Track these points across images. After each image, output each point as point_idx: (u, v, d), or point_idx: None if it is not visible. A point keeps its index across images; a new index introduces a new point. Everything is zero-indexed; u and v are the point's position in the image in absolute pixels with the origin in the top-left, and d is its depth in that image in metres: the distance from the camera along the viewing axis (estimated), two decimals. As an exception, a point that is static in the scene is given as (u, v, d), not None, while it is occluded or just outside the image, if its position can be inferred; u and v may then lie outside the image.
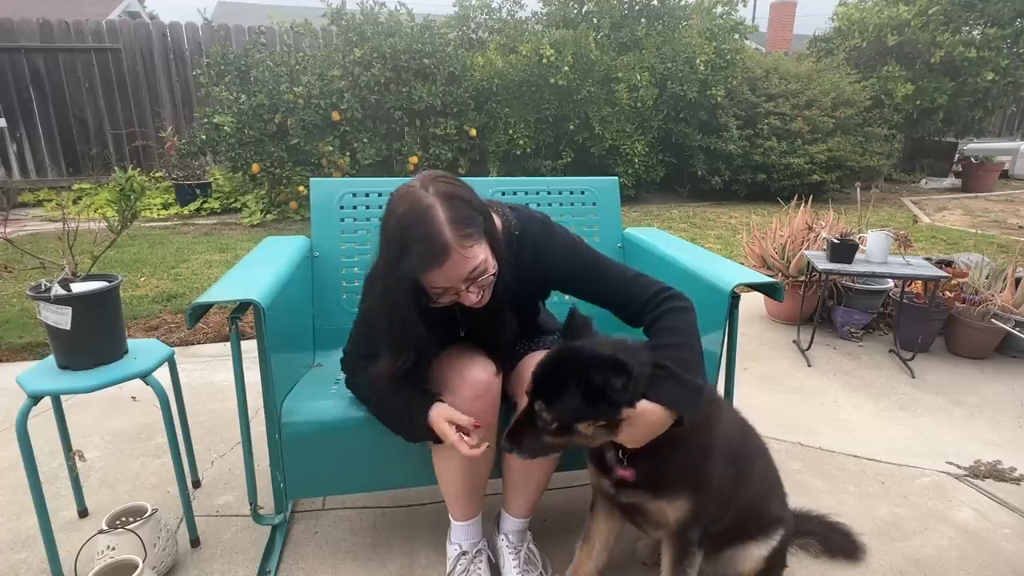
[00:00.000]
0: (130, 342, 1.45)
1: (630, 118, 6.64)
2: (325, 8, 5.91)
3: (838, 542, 1.51)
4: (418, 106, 5.72)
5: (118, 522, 1.37)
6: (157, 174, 6.64)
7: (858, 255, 2.68)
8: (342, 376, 1.44)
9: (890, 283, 3.04)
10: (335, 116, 5.48)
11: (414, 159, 5.83)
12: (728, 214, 6.37)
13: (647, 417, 1.03)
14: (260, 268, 1.47)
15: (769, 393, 2.46)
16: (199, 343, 2.86)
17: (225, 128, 5.28)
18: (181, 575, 1.44)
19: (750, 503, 1.24)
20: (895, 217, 6.20)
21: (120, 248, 4.36)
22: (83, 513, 1.63)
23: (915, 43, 8.39)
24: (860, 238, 2.78)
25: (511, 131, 6.28)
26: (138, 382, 1.36)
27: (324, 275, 1.77)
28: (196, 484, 1.77)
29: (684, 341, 1.13)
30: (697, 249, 1.77)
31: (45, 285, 1.30)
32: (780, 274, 3.17)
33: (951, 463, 1.96)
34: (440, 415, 1.19)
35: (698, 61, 6.57)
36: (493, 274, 1.13)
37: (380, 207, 1.82)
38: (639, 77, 6.39)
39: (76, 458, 1.44)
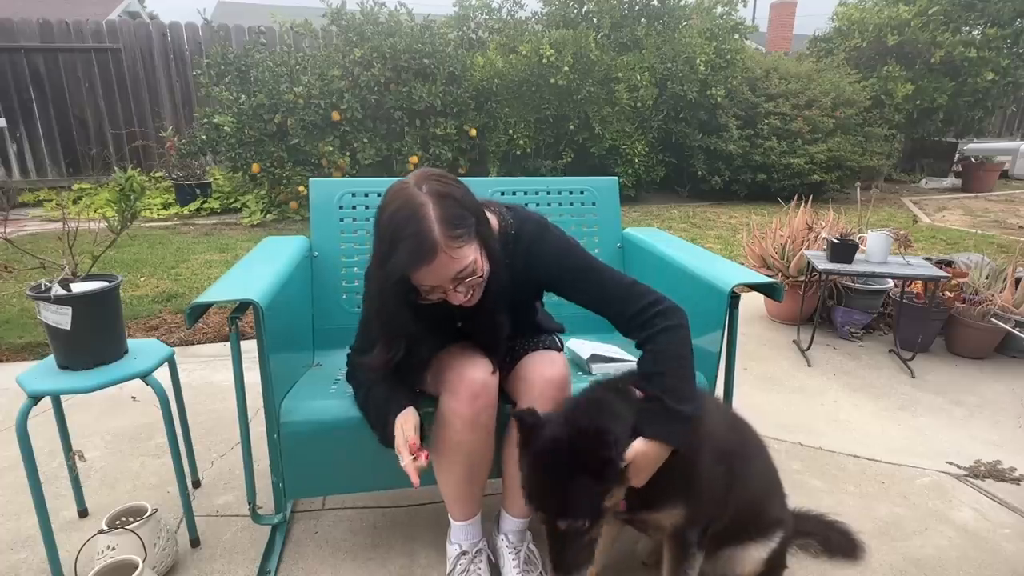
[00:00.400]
0: (130, 342, 1.45)
1: (630, 118, 6.64)
2: (325, 8, 5.91)
3: (837, 541, 1.51)
4: (418, 106, 5.72)
5: (118, 522, 1.37)
6: (157, 174, 6.64)
7: (858, 255, 2.68)
8: (341, 376, 1.44)
9: (890, 283, 3.04)
10: (335, 116, 5.48)
11: (414, 159, 5.83)
12: (728, 214, 6.37)
13: (647, 457, 1.05)
14: (260, 268, 1.47)
15: (769, 393, 2.46)
16: (199, 343, 2.86)
17: (225, 128, 5.28)
18: (181, 575, 1.44)
19: (748, 502, 1.24)
20: (895, 217, 6.20)
21: (120, 248, 4.36)
22: (83, 513, 1.63)
23: (915, 43, 8.39)
24: (860, 238, 2.78)
25: (511, 131, 6.28)
26: (138, 382, 1.36)
27: (324, 275, 1.77)
28: (196, 484, 1.77)
29: (674, 367, 1.13)
30: (697, 249, 1.77)
31: (45, 285, 1.30)
32: (780, 274, 3.17)
33: (951, 463, 1.96)
34: (401, 420, 1.19)
35: (698, 61, 6.57)
36: (482, 276, 1.13)
37: (380, 207, 1.83)
38: (639, 77, 6.38)
39: (76, 458, 1.44)
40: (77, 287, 1.31)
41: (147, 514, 1.38)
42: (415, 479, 1.14)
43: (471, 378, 1.24)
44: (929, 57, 8.40)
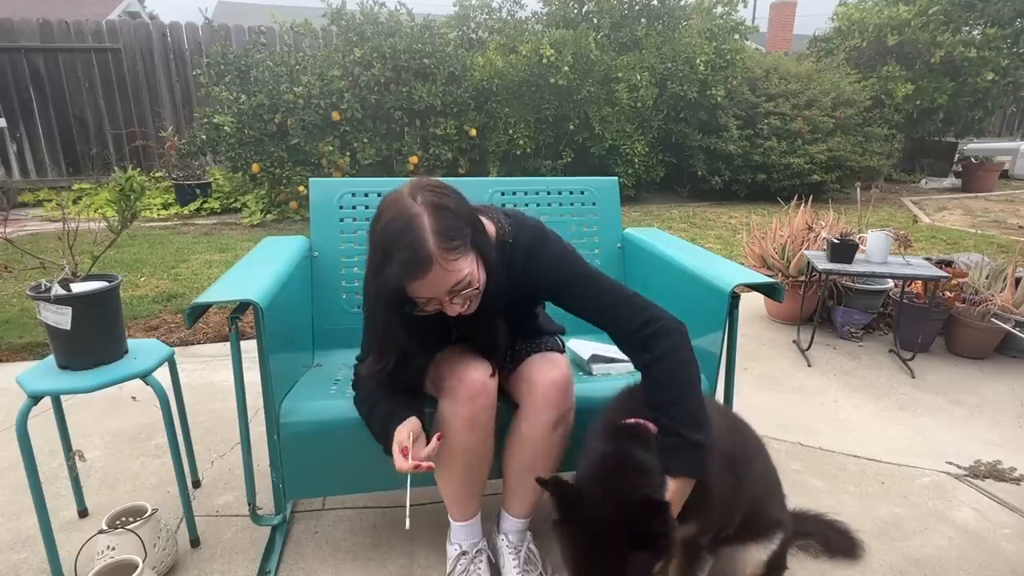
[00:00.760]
0: (130, 342, 1.45)
1: (630, 118, 6.64)
2: (325, 8, 5.91)
3: (837, 541, 1.51)
4: (418, 106, 5.72)
5: (118, 522, 1.37)
6: (157, 174, 6.64)
7: (858, 255, 2.68)
8: (341, 376, 1.44)
9: (890, 283, 3.04)
10: (335, 116, 5.48)
11: (414, 159, 5.83)
12: (728, 214, 6.37)
13: (678, 493, 1.06)
14: (259, 268, 1.47)
15: (769, 393, 2.46)
16: (199, 343, 2.86)
17: (225, 128, 5.28)
18: (181, 575, 1.44)
19: (750, 502, 1.24)
20: (895, 217, 6.20)
21: (120, 248, 4.36)
22: (83, 513, 1.63)
23: (915, 43, 8.39)
24: (860, 238, 2.78)
25: (511, 131, 6.28)
26: (138, 382, 1.36)
27: (324, 275, 1.77)
28: (196, 484, 1.77)
29: (685, 395, 1.11)
30: (697, 249, 1.77)
31: (45, 285, 1.30)
32: (780, 274, 3.17)
33: (951, 463, 1.96)
34: (402, 429, 1.19)
35: (698, 61, 6.57)
36: (478, 288, 1.12)
37: (380, 207, 1.83)
38: (639, 77, 6.38)
39: (76, 458, 1.44)
40: (77, 287, 1.31)
41: (147, 514, 1.38)
42: (410, 465, 1.13)
43: (470, 379, 1.24)
44: (929, 57, 8.40)
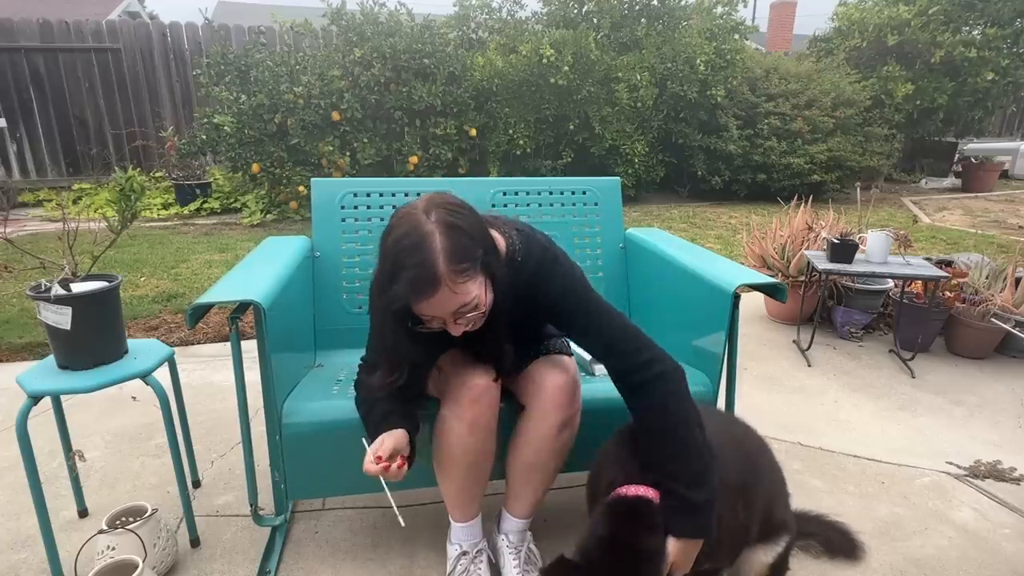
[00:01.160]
0: (130, 342, 1.45)
1: (630, 118, 6.64)
2: (325, 8, 5.91)
3: (837, 541, 1.51)
4: (418, 106, 5.72)
5: (118, 522, 1.37)
6: (157, 174, 6.64)
7: (858, 255, 2.68)
8: (343, 376, 1.44)
9: (890, 283, 3.04)
10: (335, 116, 5.48)
11: (414, 159, 5.83)
12: (728, 214, 6.37)
13: (685, 554, 1.06)
14: (260, 268, 1.47)
15: (769, 393, 2.46)
16: (199, 343, 2.86)
17: (225, 128, 5.28)
18: (181, 575, 1.44)
19: (760, 511, 1.24)
20: (895, 217, 6.21)
21: (120, 248, 4.36)
22: (83, 513, 1.63)
23: (915, 43, 8.39)
24: (860, 238, 2.78)
25: (511, 131, 6.28)
26: (138, 382, 1.36)
27: (325, 275, 1.77)
28: (196, 484, 1.77)
29: (683, 451, 1.08)
30: (699, 249, 1.77)
31: (45, 285, 1.29)
32: (780, 274, 3.17)
33: (951, 463, 1.96)
34: (386, 438, 1.17)
35: (698, 61, 6.57)
36: (484, 311, 1.10)
37: (381, 207, 1.83)
38: (639, 77, 6.38)
39: (76, 458, 1.44)
40: (77, 287, 1.31)
41: (147, 514, 1.38)
42: (378, 468, 1.14)
43: (472, 383, 1.24)
44: (929, 57, 8.40)
